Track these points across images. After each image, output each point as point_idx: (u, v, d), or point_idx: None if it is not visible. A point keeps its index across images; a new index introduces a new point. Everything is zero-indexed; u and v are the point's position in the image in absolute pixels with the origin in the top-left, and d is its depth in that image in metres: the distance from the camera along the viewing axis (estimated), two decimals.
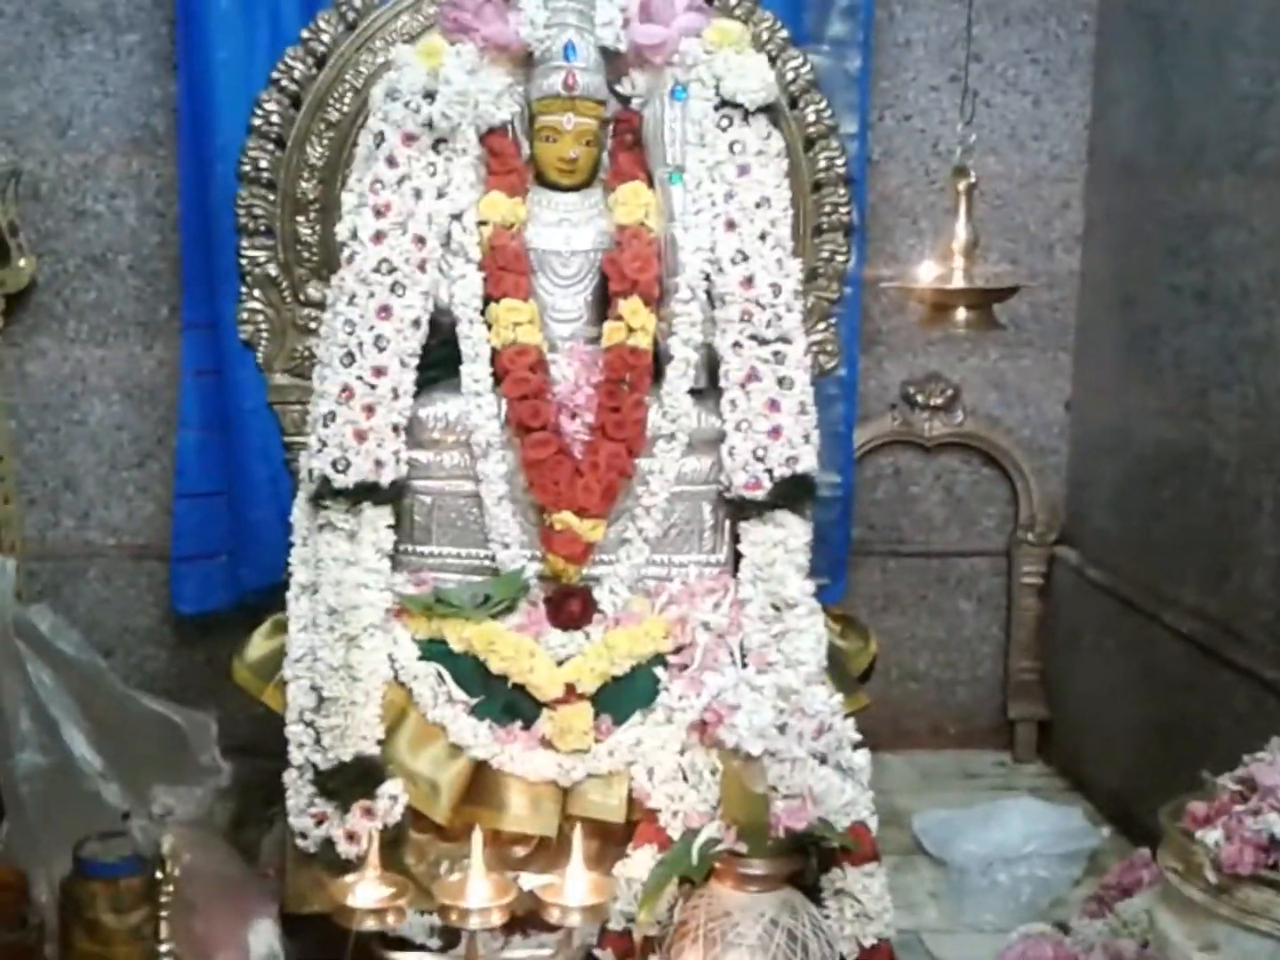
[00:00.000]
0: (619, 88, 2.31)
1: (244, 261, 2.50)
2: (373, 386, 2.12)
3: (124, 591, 2.91)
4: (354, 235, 2.16)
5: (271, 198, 2.49)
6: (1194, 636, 2.55)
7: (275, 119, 2.46)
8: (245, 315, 2.53)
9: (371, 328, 2.14)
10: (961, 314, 2.14)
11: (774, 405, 2.18)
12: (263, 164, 2.46)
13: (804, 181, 2.57)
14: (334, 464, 2.11)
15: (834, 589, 2.83)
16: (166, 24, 2.67)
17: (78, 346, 2.82)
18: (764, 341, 2.19)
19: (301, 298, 2.53)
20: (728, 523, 2.24)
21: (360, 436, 2.11)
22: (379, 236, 2.16)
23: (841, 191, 2.63)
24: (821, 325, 2.66)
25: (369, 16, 2.48)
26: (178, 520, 2.71)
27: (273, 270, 2.52)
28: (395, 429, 2.14)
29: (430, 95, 2.15)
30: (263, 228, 2.49)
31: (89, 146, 2.75)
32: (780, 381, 2.19)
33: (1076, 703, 3.07)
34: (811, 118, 2.58)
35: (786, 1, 2.66)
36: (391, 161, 2.17)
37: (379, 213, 2.16)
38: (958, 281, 2.16)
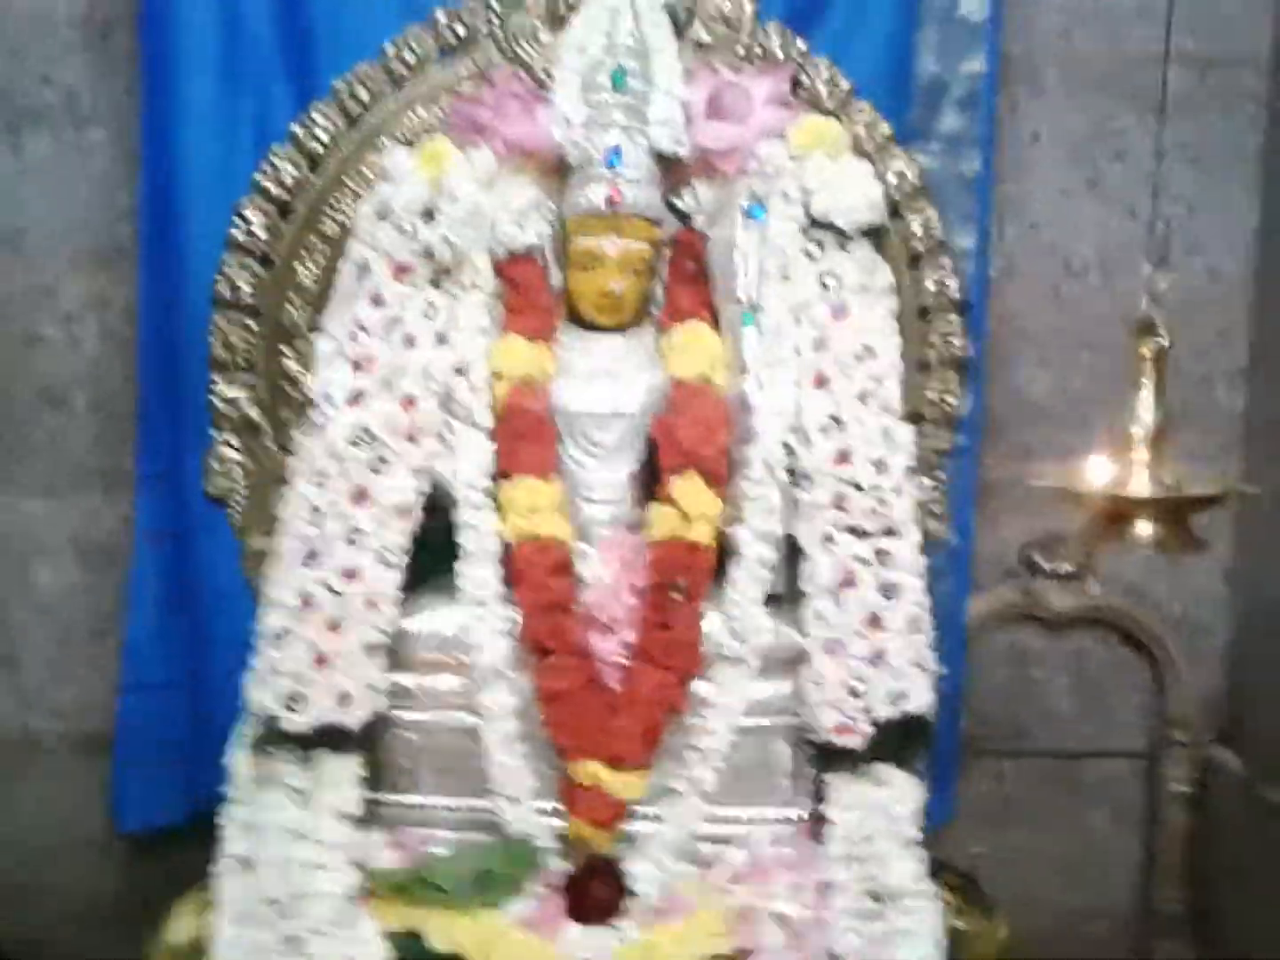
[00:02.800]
0: (677, 202, 1.84)
1: (216, 400, 2.10)
2: (341, 594, 1.65)
3: (68, 790, 2.45)
4: (326, 396, 1.70)
5: (252, 325, 2.09)
6: None
7: (259, 232, 2.06)
8: (216, 464, 2.11)
9: (343, 516, 1.67)
10: (1147, 528, 1.59)
11: (876, 621, 1.68)
12: (243, 285, 2.07)
13: (907, 307, 2.08)
14: (284, 699, 1.63)
15: (941, 807, 2.31)
16: (138, 118, 2.25)
17: (26, 498, 2.42)
18: (864, 535, 1.70)
19: (286, 445, 2.05)
20: (808, 770, 1.74)
21: (321, 662, 1.64)
22: (358, 397, 1.69)
23: (953, 319, 2.16)
24: (928, 483, 2.16)
25: (375, 109, 2.05)
26: (123, 717, 2.28)
27: (252, 411, 2.11)
28: (371, 650, 1.66)
29: (431, 214, 1.70)
30: (241, 361, 2.09)
31: (43, 262, 2.36)
32: (885, 590, 1.69)
33: (1237, 946, 2.51)
34: (918, 230, 2.09)
35: (889, 91, 2.19)
36: (377, 300, 1.71)
37: (359, 366, 1.70)
38: (1141, 486, 1.61)
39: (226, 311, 2.07)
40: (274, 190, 2.05)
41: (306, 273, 2.07)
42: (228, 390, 2.09)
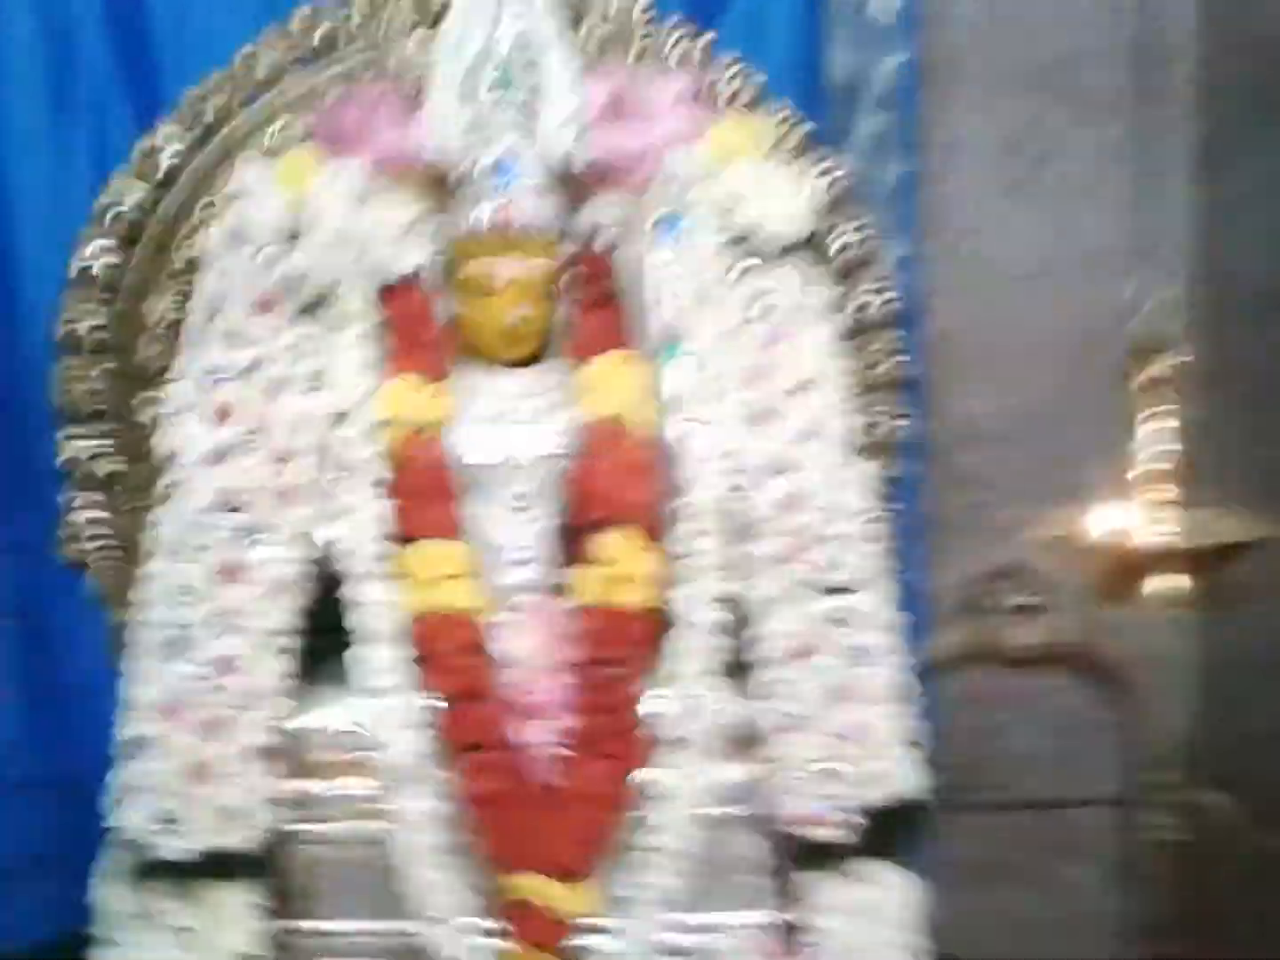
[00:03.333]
0: (575, 221, 1.60)
1: (65, 456, 1.89)
2: (217, 690, 1.41)
3: None
4: (180, 455, 1.46)
5: (101, 369, 1.87)
6: None
7: (103, 263, 1.84)
8: (70, 530, 1.89)
9: (210, 596, 1.43)
10: (1161, 583, 1.38)
11: (846, 691, 1.46)
12: (87, 324, 1.86)
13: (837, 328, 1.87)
14: (157, 820, 1.38)
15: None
16: None
17: None
18: (824, 591, 1.47)
19: (147, 503, 1.80)
20: (776, 866, 1.50)
21: (199, 773, 1.39)
22: (219, 455, 1.45)
23: (890, 336, 1.97)
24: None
25: (229, 122, 1.84)
26: None
27: (106, 466, 1.89)
28: (258, 754, 1.42)
29: (294, 237, 1.48)
30: (90, 410, 1.88)
31: None
32: (854, 654, 1.47)
33: None
34: (851, 239, 1.88)
35: (801, 91, 2.00)
36: (236, 339, 1.47)
37: (219, 417, 1.45)
38: (1153, 535, 1.40)
39: (70, 355, 1.85)
40: (118, 215, 1.84)
41: (160, 307, 1.86)
42: (77, 444, 1.88)
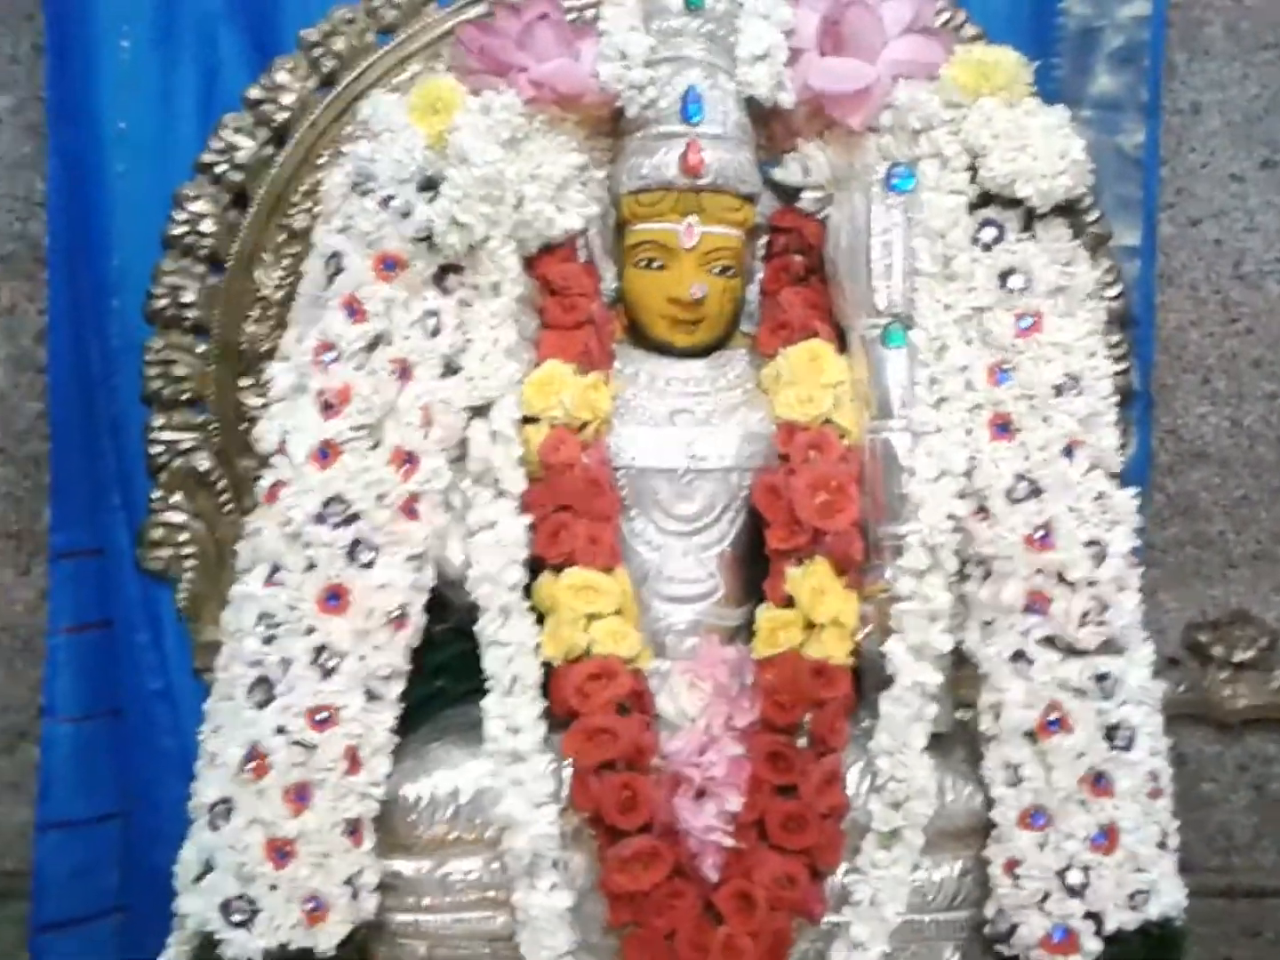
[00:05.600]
0: (778, 173, 1.41)
1: (156, 449, 1.79)
2: (309, 747, 1.17)
3: None
4: (282, 451, 1.23)
5: (200, 349, 1.77)
6: None
7: (207, 227, 1.74)
8: (157, 533, 1.78)
9: (309, 629, 1.19)
10: None
11: (1100, 783, 1.19)
12: (187, 297, 1.75)
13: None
14: (226, 907, 1.15)
15: None
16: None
17: None
18: (1076, 652, 1.21)
19: (250, 503, 1.75)
20: None
21: (281, 852, 1.15)
22: (328, 451, 1.21)
23: (1116, 339, 1.77)
24: None
25: (356, 66, 1.70)
26: (40, 866, 1.88)
27: (201, 461, 1.79)
28: (353, 829, 1.18)
29: (432, 185, 1.24)
30: (185, 396, 1.77)
31: None
32: (1110, 733, 1.20)
33: None
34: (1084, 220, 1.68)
35: (1026, 39, 1.76)
36: (355, 309, 1.24)
37: (329, 406, 1.23)
38: None
39: (166, 332, 1.75)
40: (225, 172, 1.72)
41: (269, 279, 1.76)
42: (168, 433, 1.79)
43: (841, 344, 1.35)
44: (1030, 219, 1.30)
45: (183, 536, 1.84)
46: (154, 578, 1.85)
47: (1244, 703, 2.15)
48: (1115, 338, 1.81)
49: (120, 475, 1.82)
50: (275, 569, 1.21)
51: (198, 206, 1.73)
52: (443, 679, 1.32)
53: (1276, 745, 2.19)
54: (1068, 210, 1.31)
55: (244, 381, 1.78)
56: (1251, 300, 2.04)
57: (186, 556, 1.83)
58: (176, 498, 1.80)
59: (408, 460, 1.23)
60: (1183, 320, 2.09)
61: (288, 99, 1.75)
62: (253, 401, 1.81)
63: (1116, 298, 1.81)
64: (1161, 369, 2.08)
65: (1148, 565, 2.04)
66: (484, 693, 1.25)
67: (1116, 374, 1.70)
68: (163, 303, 1.74)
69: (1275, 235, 2.03)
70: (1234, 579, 2.15)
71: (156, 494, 1.80)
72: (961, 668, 1.31)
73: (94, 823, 1.94)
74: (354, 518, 1.20)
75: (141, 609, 1.84)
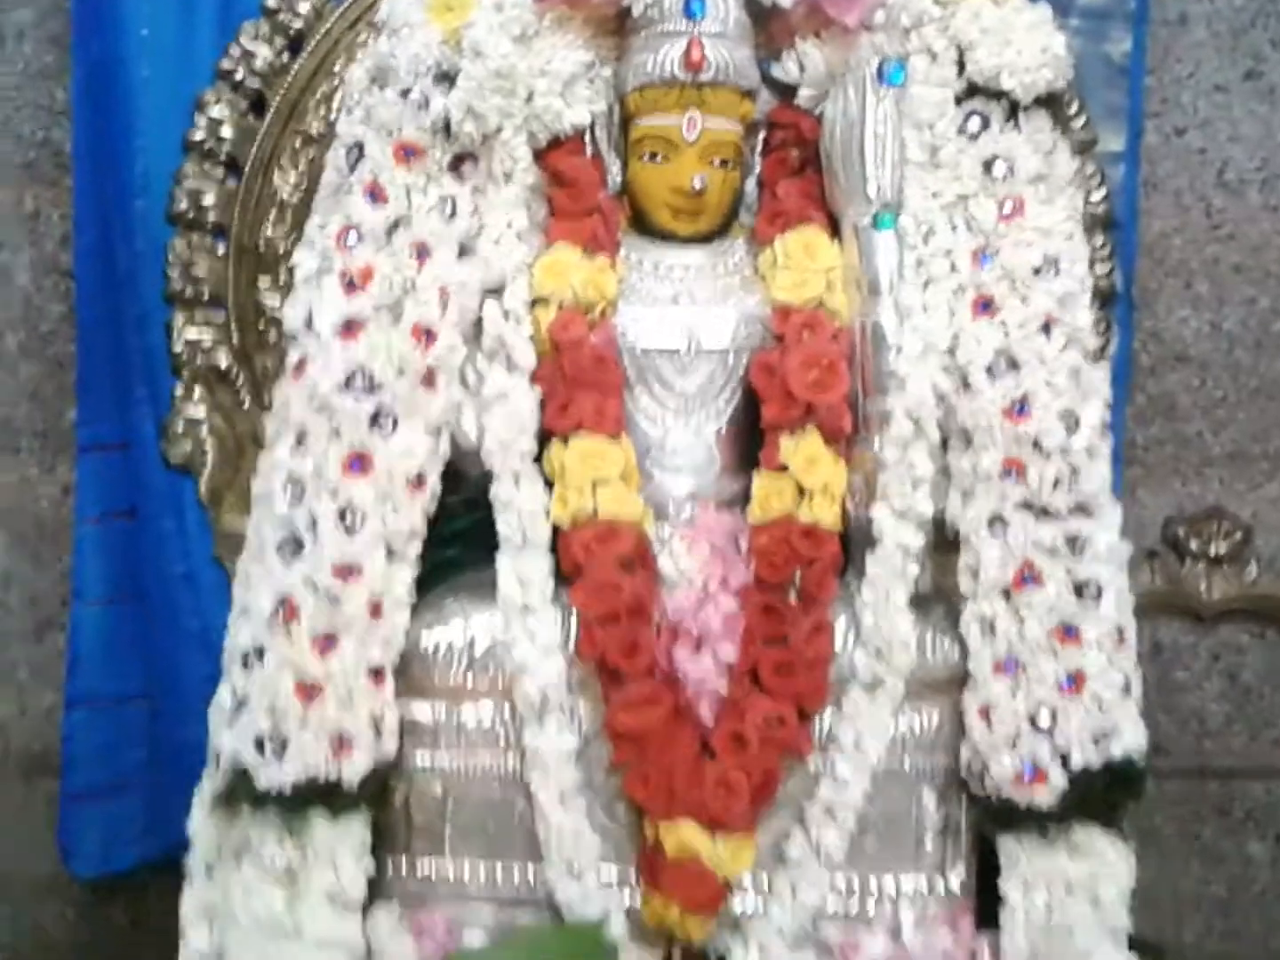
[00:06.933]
0: (776, 70, 1.41)
1: (178, 346, 1.79)
2: (334, 599, 1.23)
3: (12, 823, 2.07)
4: (308, 326, 1.27)
5: (220, 250, 1.77)
6: None
7: (226, 131, 1.74)
8: (180, 427, 1.80)
9: (334, 491, 1.24)
10: None
11: (1069, 633, 1.25)
12: (207, 200, 1.75)
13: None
14: (258, 742, 1.21)
15: None
16: None
17: None
18: (1049, 514, 1.27)
19: (267, 399, 1.77)
20: (966, 828, 1.32)
21: (308, 692, 1.21)
22: (351, 327, 1.26)
23: (1100, 242, 1.79)
24: None
25: None
26: (69, 740, 1.92)
27: (222, 359, 1.80)
28: (376, 674, 1.25)
29: (448, 79, 1.27)
30: (206, 295, 1.77)
31: None
32: (1079, 589, 1.26)
33: None
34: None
35: None
36: (376, 194, 1.28)
37: (352, 285, 1.26)
38: None
39: (188, 233, 1.75)
40: (244, 79, 1.73)
41: (286, 182, 1.77)
42: (190, 332, 1.78)
43: (835, 233, 1.37)
44: (1014, 111, 1.32)
45: (203, 431, 1.83)
46: (176, 470, 1.84)
47: (1218, 595, 2.19)
48: (1099, 240, 1.81)
49: (145, 371, 1.83)
50: (301, 437, 1.25)
51: (217, 112, 1.73)
52: (455, 548, 1.36)
53: (1249, 636, 2.23)
54: (1050, 102, 1.33)
55: (262, 282, 1.78)
56: (1233, 208, 2.05)
57: (207, 450, 1.84)
58: (198, 393, 1.81)
59: (426, 336, 1.26)
60: (1166, 226, 2.11)
61: (303, 7, 1.76)
62: (270, 301, 1.79)
63: (1101, 202, 1.80)
64: (1144, 273, 2.09)
65: (1128, 463, 2.13)
66: (494, 559, 1.29)
67: (1100, 276, 1.81)
68: (183, 205, 1.74)
69: (1257, 145, 2.03)
70: (1211, 477, 2.18)
71: (179, 390, 1.80)
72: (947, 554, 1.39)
73: (121, 702, 1.95)
74: (376, 388, 1.25)
75: (166, 498, 1.84)
